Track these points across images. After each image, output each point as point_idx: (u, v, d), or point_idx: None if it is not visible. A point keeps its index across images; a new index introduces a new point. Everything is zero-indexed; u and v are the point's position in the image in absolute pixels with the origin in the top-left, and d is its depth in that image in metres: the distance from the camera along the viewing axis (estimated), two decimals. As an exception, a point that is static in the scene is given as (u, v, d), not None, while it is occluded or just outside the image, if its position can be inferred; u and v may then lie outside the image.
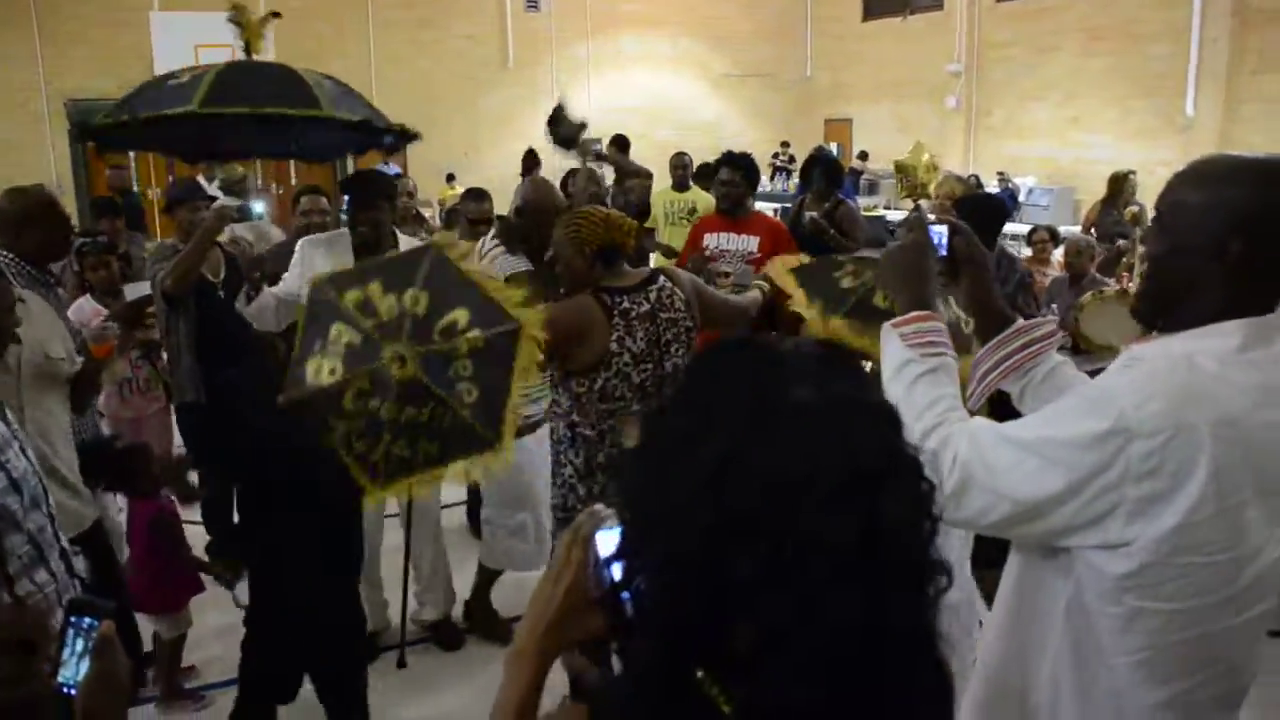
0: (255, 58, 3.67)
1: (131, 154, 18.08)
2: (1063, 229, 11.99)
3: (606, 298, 3.31)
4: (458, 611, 4.61)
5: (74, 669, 1.43)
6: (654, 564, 1.01)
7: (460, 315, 3.06)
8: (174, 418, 4.95)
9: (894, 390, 1.71)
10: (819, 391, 1.00)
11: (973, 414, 2.04)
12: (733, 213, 5.53)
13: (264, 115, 3.72)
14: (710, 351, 1.12)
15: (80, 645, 1.44)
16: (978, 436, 1.59)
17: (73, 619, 1.45)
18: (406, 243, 4.28)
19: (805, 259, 3.79)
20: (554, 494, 3.46)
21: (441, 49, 20.99)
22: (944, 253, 1.93)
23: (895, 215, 13.86)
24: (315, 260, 4.11)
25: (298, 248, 4.31)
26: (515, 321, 3.06)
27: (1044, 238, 7.69)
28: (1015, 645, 1.72)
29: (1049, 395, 1.86)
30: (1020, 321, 1.91)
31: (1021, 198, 18.25)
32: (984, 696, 1.80)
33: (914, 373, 1.70)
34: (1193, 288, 1.57)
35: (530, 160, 8.28)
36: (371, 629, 4.26)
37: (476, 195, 5.75)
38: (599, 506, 1.15)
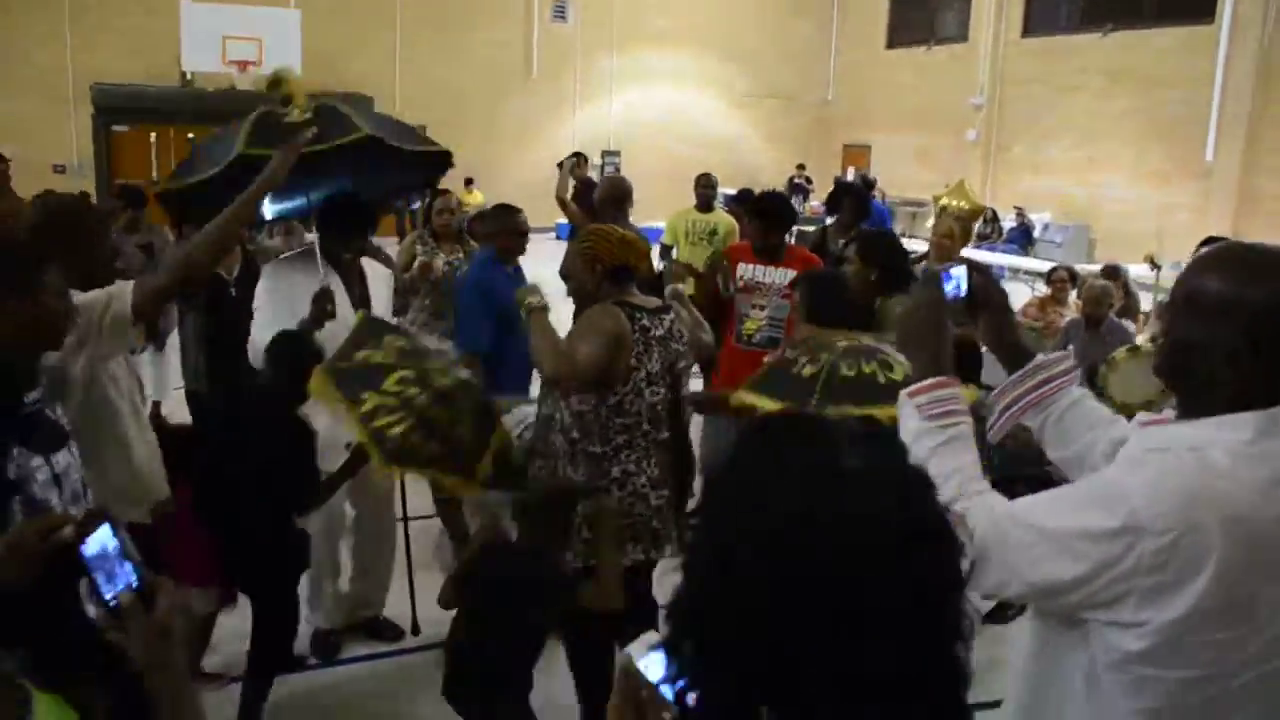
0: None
1: (153, 137, 18.26)
2: (1078, 268, 12.04)
3: (629, 311, 3.27)
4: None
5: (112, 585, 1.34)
6: (727, 616, 1.09)
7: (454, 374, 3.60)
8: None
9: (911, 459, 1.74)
10: (868, 459, 1.10)
11: (994, 447, 2.08)
12: (768, 255, 5.44)
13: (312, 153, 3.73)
14: (763, 423, 1.21)
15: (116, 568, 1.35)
16: (995, 514, 1.63)
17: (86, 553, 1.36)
18: (370, 267, 4.41)
19: (758, 376, 3.58)
20: None
21: (466, 55, 21.14)
22: (963, 293, 1.95)
23: (910, 244, 13.84)
24: (296, 285, 4.05)
25: (269, 273, 4.25)
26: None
27: (1062, 278, 7.72)
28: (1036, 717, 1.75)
29: (1069, 430, 1.91)
30: (1039, 358, 1.93)
31: (1036, 233, 18.34)
32: None
33: (931, 444, 1.72)
34: (1206, 381, 1.60)
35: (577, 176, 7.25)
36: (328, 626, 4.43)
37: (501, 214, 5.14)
38: (631, 651, 1.20)
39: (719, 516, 1.14)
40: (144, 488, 3.29)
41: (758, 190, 11.13)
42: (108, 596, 1.33)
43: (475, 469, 3.44)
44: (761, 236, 5.41)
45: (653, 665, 1.18)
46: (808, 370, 3.30)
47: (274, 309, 4.05)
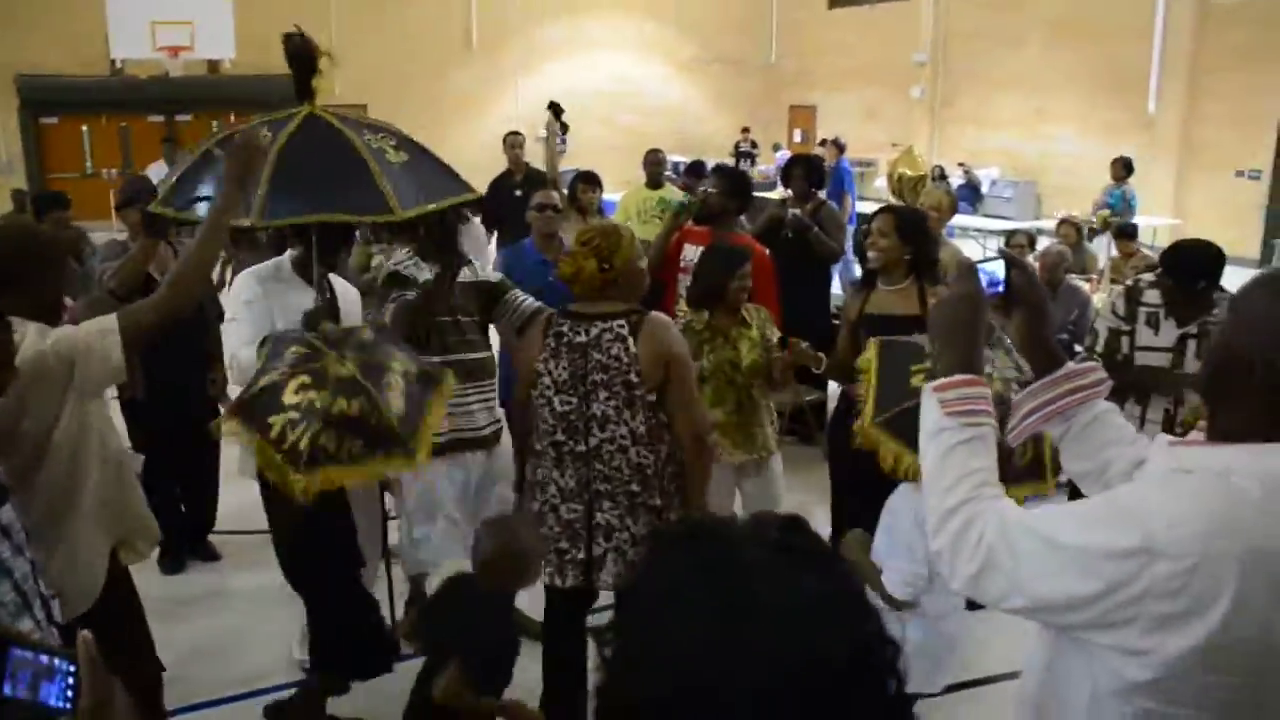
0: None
1: (84, 128, 17.76)
2: (1026, 225, 12.10)
3: (556, 318, 3.35)
4: None
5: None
6: None
7: (401, 359, 3.42)
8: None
9: (927, 453, 1.68)
10: (782, 591, 0.97)
11: (1012, 450, 2.00)
12: (715, 224, 5.37)
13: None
14: (666, 546, 1.08)
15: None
16: (1007, 522, 1.57)
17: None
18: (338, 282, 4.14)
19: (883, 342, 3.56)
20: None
21: (404, 28, 20.67)
22: (1000, 288, 1.88)
23: (863, 207, 13.76)
24: (286, 299, 3.84)
25: (244, 284, 3.90)
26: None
27: (1021, 243, 7.71)
28: None
29: (1089, 444, 1.85)
30: (1069, 366, 1.85)
31: (984, 189, 18.39)
32: None
33: (950, 441, 1.65)
34: (1232, 396, 1.55)
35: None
36: None
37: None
38: None
39: (621, 649, 1.02)
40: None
41: (709, 161, 11.02)
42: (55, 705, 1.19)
43: (419, 439, 3.27)
44: (719, 201, 5.41)
45: None
46: (916, 380, 3.19)
47: (254, 322, 3.80)
